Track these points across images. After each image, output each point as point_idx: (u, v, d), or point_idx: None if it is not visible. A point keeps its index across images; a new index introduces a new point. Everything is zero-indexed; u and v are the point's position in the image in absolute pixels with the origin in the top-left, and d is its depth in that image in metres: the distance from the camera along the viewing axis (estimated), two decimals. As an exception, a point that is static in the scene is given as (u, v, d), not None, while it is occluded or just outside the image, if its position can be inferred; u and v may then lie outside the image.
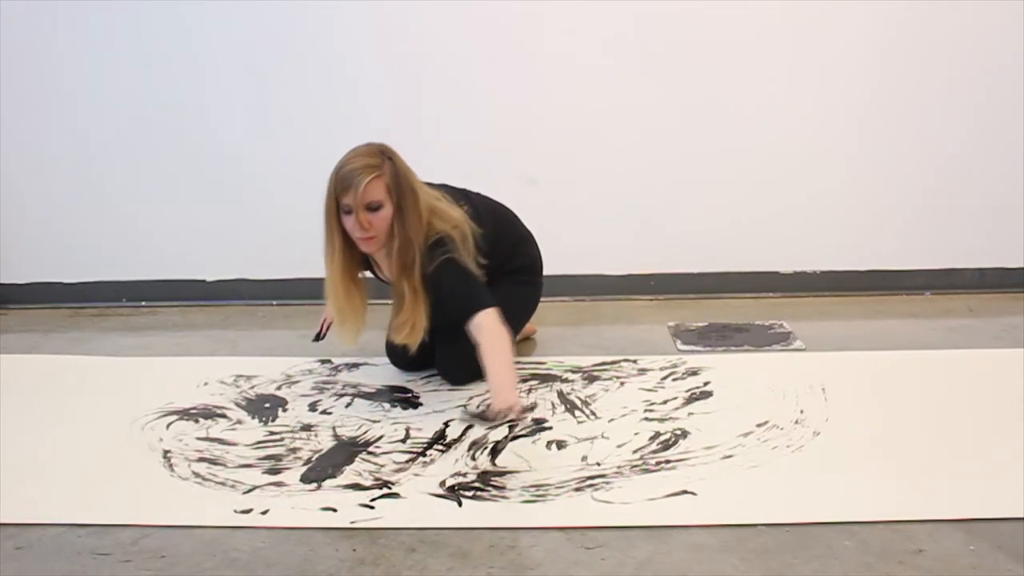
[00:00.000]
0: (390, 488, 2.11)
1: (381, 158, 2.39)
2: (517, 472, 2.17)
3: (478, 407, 2.46)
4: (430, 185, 2.58)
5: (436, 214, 2.49)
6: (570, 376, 2.75)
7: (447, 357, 2.71)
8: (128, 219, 3.61)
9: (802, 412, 2.45)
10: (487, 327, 2.36)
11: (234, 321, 3.45)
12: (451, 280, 2.44)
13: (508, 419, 2.22)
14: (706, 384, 2.67)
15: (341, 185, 2.36)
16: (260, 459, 2.28)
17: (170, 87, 3.48)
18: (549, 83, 3.41)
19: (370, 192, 2.35)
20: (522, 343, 3.03)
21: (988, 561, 1.76)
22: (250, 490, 2.12)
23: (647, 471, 2.16)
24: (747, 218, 3.50)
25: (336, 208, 2.40)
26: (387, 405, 2.59)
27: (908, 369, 2.74)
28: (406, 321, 2.46)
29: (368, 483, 2.14)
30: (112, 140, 3.54)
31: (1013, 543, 1.82)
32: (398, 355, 2.79)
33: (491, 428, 2.31)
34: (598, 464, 2.20)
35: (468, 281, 2.47)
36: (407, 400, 2.62)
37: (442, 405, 2.57)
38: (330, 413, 2.55)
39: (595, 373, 2.77)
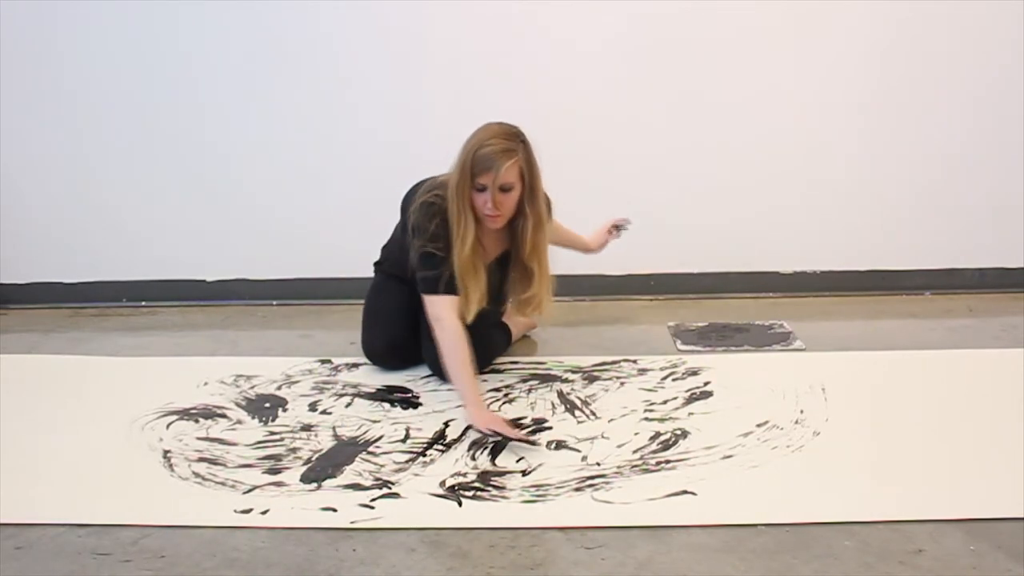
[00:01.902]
0: (390, 488, 2.11)
1: (517, 142, 2.48)
2: (517, 472, 2.17)
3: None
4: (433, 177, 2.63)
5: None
6: (570, 376, 2.75)
7: (433, 354, 2.69)
8: (128, 219, 3.60)
9: (802, 412, 2.45)
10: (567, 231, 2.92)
11: (234, 321, 3.45)
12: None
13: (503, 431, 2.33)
14: (706, 384, 2.67)
15: (481, 165, 2.44)
16: (260, 459, 2.28)
17: (170, 87, 3.48)
18: (548, 83, 3.41)
19: (508, 175, 2.45)
20: (522, 343, 3.03)
21: (988, 561, 1.76)
22: (250, 490, 2.13)
23: (647, 471, 2.16)
24: (747, 218, 3.50)
25: (470, 184, 2.47)
26: (387, 405, 2.59)
27: (908, 369, 2.74)
28: (534, 296, 2.64)
29: (368, 483, 2.14)
30: (112, 140, 3.53)
31: (1013, 543, 1.82)
32: (380, 356, 2.82)
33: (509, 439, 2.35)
34: (598, 464, 2.20)
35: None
36: (407, 400, 2.62)
37: (442, 405, 2.57)
38: (330, 413, 2.55)
39: (595, 373, 2.77)
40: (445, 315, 2.51)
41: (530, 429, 2.40)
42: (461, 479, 2.15)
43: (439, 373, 2.71)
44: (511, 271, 2.66)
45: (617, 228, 3.14)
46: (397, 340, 2.77)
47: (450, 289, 2.52)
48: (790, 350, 2.96)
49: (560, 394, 2.62)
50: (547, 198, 2.65)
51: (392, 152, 3.43)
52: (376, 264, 2.87)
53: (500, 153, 2.44)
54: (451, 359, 2.48)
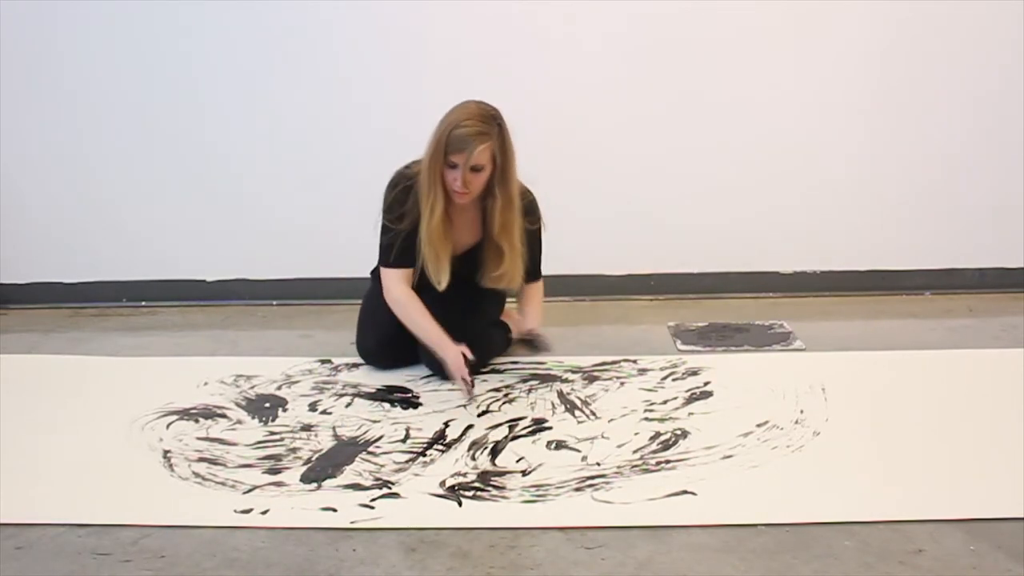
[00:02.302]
0: (390, 488, 2.11)
1: (492, 125, 2.53)
2: (517, 472, 2.17)
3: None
4: None
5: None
6: (570, 376, 2.75)
7: (431, 354, 2.70)
8: (128, 219, 3.60)
9: (802, 412, 2.45)
10: (538, 294, 2.92)
11: (234, 321, 3.45)
12: (538, 246, 2.83)
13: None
14: (706, 384, 2.67)
15: (455, 145, 2.50)
16: (260, 459, 2.28)
17: (170, 87, 3.48)
18: (548, 83, 3.41)
19: (480, 157, 2.51)
20: (522, 343, 3.03)
21: (988, 561, 1.76)
22: (250, 490, 2.12)
23: (647, 471, 2.16)
24: (747, 218, 3.50)
25: (442, 161, 2.53)
26: (387, 405, 2.59)
27: (908, 369, 2.74)
28: (505, 273, 2.69)
29: (368, 483, 2.14)
30: (112, 140, 3.53)
31: (1013, 543, 1.82)
32: (372, 354, 2.83)
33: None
34: (598, 464, 2.20)
35: (541, 251, 2.86)
36: (407, 400, 2.62)
37: (442, 405, 2.57)
38: (330, 413, 2.55)
39: (595, 373, 2.77)
40: (392, 286, 2.68)
41: (529, 428, 2.40)
42: (461, 479, 2.15)
43: (439, 373, 2.71)
44: (484, 251, 2.71)
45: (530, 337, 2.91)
46: (388, 338, 2.77)
47: (400, 261, 2.67)
48: (790, 350, 2.96)
49: (560, 394, 2.62)
50: (533, 206, 2.75)
51: (393, 152, 3.40)
52: (372, 272, 2.87)
53: (475, 135, 2.50)
54: (409, 316, 2.66)
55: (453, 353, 2.57)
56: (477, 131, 2.51)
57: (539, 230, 2.80)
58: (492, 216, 2.64)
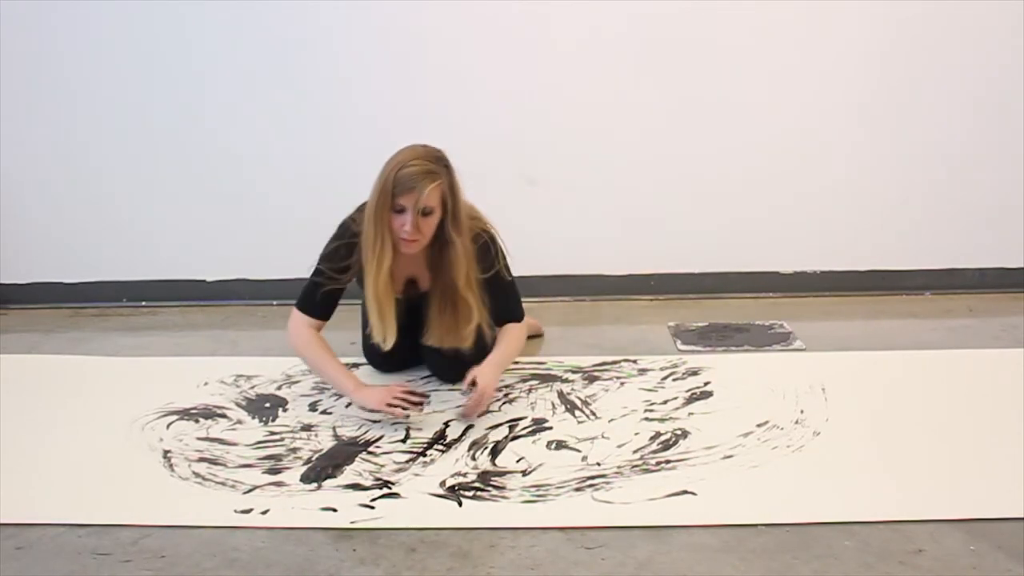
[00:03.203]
0: (390, 488, 2.11)
1: (440, 165, 2.40)
2: (517, 472, 2.17)
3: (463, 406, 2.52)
4: None
5: (473, 215, 2.55)
6: (570, 376, 2.75)
7: (442, 357, 2.70)
8: (128, 219, 3.60)
9: (802, 412, 2.45)
10: (516, 335, 2.65)
11: (234, 321, 3.45)
12: (507, 286, 2.61)
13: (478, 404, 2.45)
14: (706, 384, 2.67)
15: (403, 186, 2.35)
16: (260, 459, 2.28)
17: (170, 87, 3.48)
18: (549, 83, 3.41)
19: (430, 198, 2.36)
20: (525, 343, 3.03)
21: (988, 561, 1.76)
22: (250, 490, 2.13)
23: (647, 471, 2.16)
24: (747, 218, 3.50)
25: (389, 205, 2.38)
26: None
27: (908, 369, 2.74)
28: (451, 331, 2.52)
29: (368, 483, 2.14)
30: (112, 140, 3.54)
31: (1013, 543, 1.82)
32: (379, 357, 2.78)
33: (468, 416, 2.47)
34: (598, 464, 2.20)
35: (516, 289, 2.66)
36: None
37: (442, 405, 2.57)
38: (330, 413, 2.55)
39: (595, 373, 2.77)
40: (298, 330, 2.55)
41: (529, 428, 2.40)
42: (461, 479, 2.15)
43: (439, 375, 2.71)
44: (432, 301, 2.54)
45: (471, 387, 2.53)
46: (399, 347, 2.77)
47: (316, 312, 2.55)
48: (790, 350, 2.96)
49: (560, 394, 2.62)
50: (487, 248, 2.54)
51: (393, 152, 3.42)
52: None
53: (423, 174, 2.35)
54: (314, 363, 2.54)
55: (368, 395, 2.44)
56: (426, 170, 2.36)
57: (499, 273, 2.56)
58: (453, 266, 2.45)
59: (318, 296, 2.53)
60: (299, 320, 2.56)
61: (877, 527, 1.89)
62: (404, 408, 2.40)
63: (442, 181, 2.39)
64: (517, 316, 2.67)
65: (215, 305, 3.62)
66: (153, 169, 3.55)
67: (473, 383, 2.46)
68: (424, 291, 2.59)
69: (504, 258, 2.59)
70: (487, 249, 2.54)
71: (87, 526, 1.98)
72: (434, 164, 2.39)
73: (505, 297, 2.61)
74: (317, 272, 2.54)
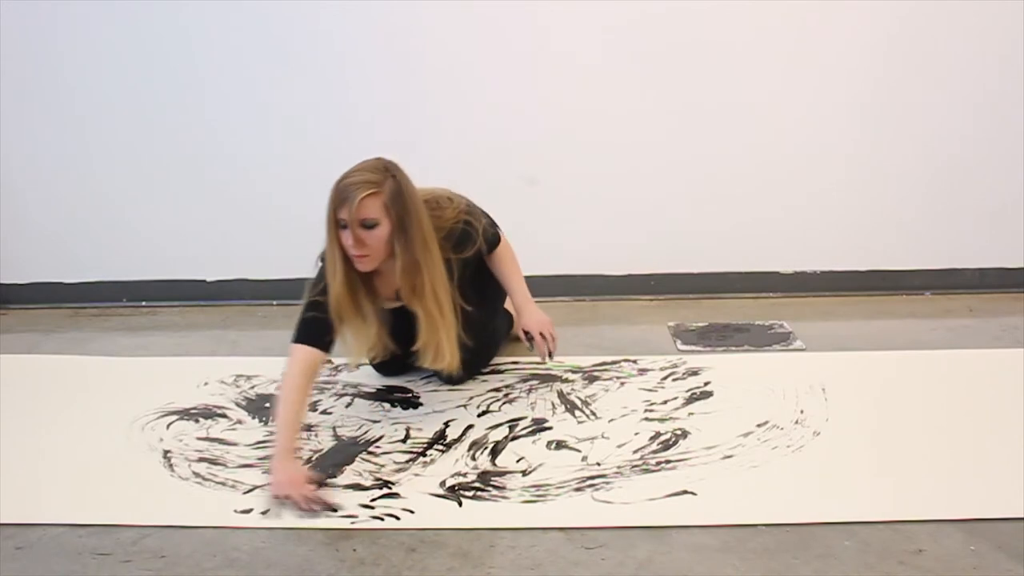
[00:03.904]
0: (390, 488, 2.12)
1: (383, 175, 2.27)
2: (517, 472, 2.17)
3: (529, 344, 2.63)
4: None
5: (440, 207, 2.45)
6: (570, 376, 2.75)
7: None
8: (128, 219, 3.60)
9: (802, 412, 2.45)
10: (506, 255, 2.64)
11: (234, 321, 3.45)
12: (481, 235, 2.51)
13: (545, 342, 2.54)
14: (706, 384, 2.67)
15: (338, 198, 2.25)
16: (260, 459, 2.28)
17: (170, 87, 3.48)
18: (549, 83, 3.41)
19: (364, 209, 2.23)
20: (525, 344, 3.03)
21: (988, 561, 1.76)
22: (250, 490, 2.13)
23: (647, 471, 2.16)
24: (747, 218, 3.50)
25: (334, 221, 2.28)
26: (387, 405, 2.59)
27: (908, 369, 2.74)
28: (427, 344, 2.38)
29: (368, 483, 2.14)
30: (113, 140, 3.53)
31: (1013, 543, 1.82)
32: (382, 366, 2.78)
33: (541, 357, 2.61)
34: (598, 464, 2.20)
35: (480, 219, 2.54)
36: (407, 400, 2.62)
37: (442, 405, 2.57)
38: (330, 413, 2.55)
39: (595, 373, 2.77)
40: (289, 362, 2.27)
41: (529, 428, 2.40)
42: (461, 479, 2.15)
43: (444, 378, 2.71)
44: (414, 315, 2.42)
45: (531, 341, 2.65)
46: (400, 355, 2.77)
47: (299, 336, 2.30)
48: (790, 350, 2.96)
49: (560, 394, 2.62)
50: (467, 235, 2.46)
51: (393, 151, 3.41)
52: None
53: (359, 184, 2.23)
54: (279, 403, 2.23)
55: (278, 476, 2.10)
56: (363, 180, 2.24)
57: (481, 244, 2.50)
58: (398, 279, 2.33)
59: (305, 324, 2.32)
60: (292, 351, 2.30)
61: (877, 527, 1.89)
62: (303, 508, 2.05)
63: (381, 191, 2.25)
64: (497, 239, 2.62)
65: (215, 305, 3.62)
66: (153, 169, 3.55)
67: (529, 337, 2.60)
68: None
69: (481, 228, 2.50)
70: (467, 236, 2.46)
71: (87, 526, 1.98)
72: (374, 173, 2.27)
73: (480, 228, 2.51)
74: (306, 305, 2.36)
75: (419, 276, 2.32)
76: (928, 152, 3.44)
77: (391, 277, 2.39)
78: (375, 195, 2.24)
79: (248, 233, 3.60)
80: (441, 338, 2.38)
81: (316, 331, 2.30)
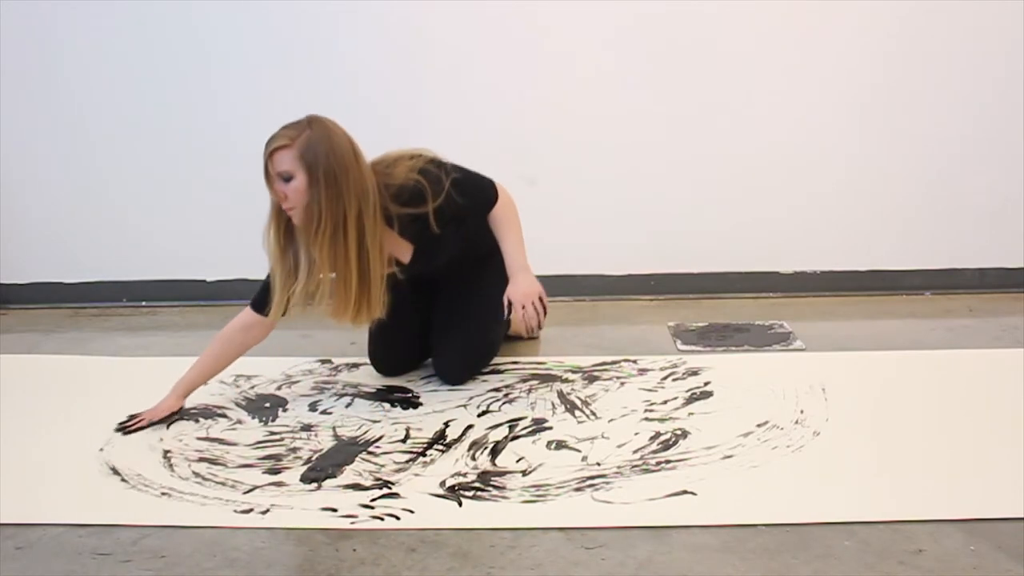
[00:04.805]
0: (390, 488, 2.11)
1: (299, 129, 2.33)
2: (517, 472, 2.17)
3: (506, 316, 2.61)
4: None
5: (390, 169, 2.46)
6: (570, 376, 2.75)
7: (443, 357, 2.71)
8: (128, 219, 3.60)
9: (802, 412, 2.45)
10: (504, 214, 2.60)
11: (234, 321, 3.44)
12: (463, 195, 2.48)
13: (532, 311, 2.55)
14: (706, 384, 2.67)
15: (265, 152, 2.34)
16: (260, 459, 2.28)
17: (170, 87, 3.48)
18: (549, 83, 3.41)
19: (279, 161, 2.31)
20: (526, 343, 3.03)
21: (988, 561, 1.76)
22: (250, 490, 2.13)
23: (647, 471, 2.16)
24: (747, 218, 3.50)
25: (268, 177, 2.37)
26: (387, 405, 2.59)
27: (908, 369, 2.74)
28: (334, 293, 2.43)
29: (368, 483, 2.14)
30: (113, 140, 3.54)
31: (1013, 543, 1.82)
32: (383, 361, 2.79)
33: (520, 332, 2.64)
34: (598, 464, 2.20)
35: (471, 181, 2.54)
36: (407, 400, 2.62)
37: (442, 405, 2.57)
38: (330, 413, 2.55)
39: (595, 373, 2.77)
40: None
41: (529, 428, 2.40)
42: (461, 479, 2.15)
43: (441, 375, 2.71)
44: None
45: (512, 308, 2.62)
46: (405, 356, 2.79)
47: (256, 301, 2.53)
48: (790, 350, 2.96)
49: (560, 394, 2.62)
50: (419, 192, 2.42)
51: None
52: None
53: (273, 139, 2.33)
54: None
55: (165, 406, 2.50)
56: (278, 135, 2.34)
57: (443, 204, 2.43)
58: (300, 224, 2.37)
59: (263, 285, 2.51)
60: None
61: (877, 527, 1.89)
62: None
63: (292, 144, 2.31)
64: (491, 200, 2.59)
65: (215, 305, 3.62)
66: (153, 169, 3.55)
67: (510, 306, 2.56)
68: (404, 264, 2.56)
69: (446, 186, 2.44)
70: (418, 193, 2.42)
71: (87, 526, 1.98)
72: (292, 129, 2.33)
73: (469, 202, 2.51)
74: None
75: (320, 222, 2.32)
76: (928, 152, 3.44)
77: (392, 242, 2.47)
78: (286, 148, 2.31)
79: (248, 233, 3.55)
80: (342, 291, 2.40)
81: (260, 295, 2.51)
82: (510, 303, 2.58)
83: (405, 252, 2.56)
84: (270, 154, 2.33)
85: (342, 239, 2.35)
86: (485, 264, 2.68)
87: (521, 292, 2.57)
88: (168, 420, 2.48)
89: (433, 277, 2.71)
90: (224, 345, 2.55)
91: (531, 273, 2.62)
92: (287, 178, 2.32)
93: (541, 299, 2.60)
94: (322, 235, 2.33)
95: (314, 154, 2.31)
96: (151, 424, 2.46)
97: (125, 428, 2.44)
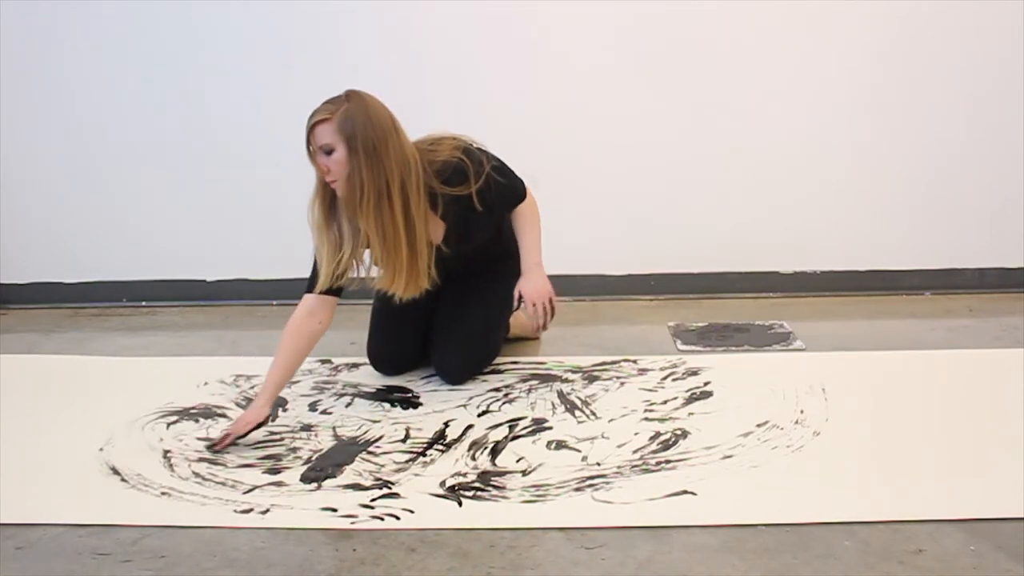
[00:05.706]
0: (390, 488, 2.11)
1: (338, 103, 2.36)
2: (517, 472, 2.17)
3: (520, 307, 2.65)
4: None
5: (434, 147, 2.51)
6: (570, 376, 2.75)
7: (444, 357, 2.71)
8: (128, 219, 3.61)
9: (802, 412, 2.45)
10: (527, 212, 2.67)
11: (234, 321, 3.45)
12: (496, 186, 2.53)
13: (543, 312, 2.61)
14: (706, 384, 2.67)
15: (307, 127, 2.37)
16: (260, 459, 2.28)
17: (170, 86, 3.48)
18: (550, 83, 3.41)
19: (319, 135, 2.34)
20: (526, 343, 3.03)
21: (988, 561, 1.76)
22: (250, 490, 2.13)
23: (647, 471, 2.16)
24: (747, 218, 3.50)
25: (310, 153, 2.40)
26: (387, 405, 2.59)
27: (908, 369, 2.74)
28: (380, 262, 2.46)
29: (368, 483, 2.14)
30: (113, 140, 3.54)
31: (1013, 543, 1.82)
32: (383, 361, 2.80)
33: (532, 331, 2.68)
34: (598, 464, 2.20)
35: (507, 176, 2.60)
36: (407, 400, 2.62)
37: (442, 405, 2.57)
38: (330, 413, 2.55)
39: (595, 373, 2.77)
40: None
41: (529, 428, 2.40)
42: (461, 479, 2.15)
43: (442, 375, 2.71)
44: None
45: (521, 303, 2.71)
46: (404, 354, 2.78)
47: (312, 282, 2.51)
48: (790, 350, 2.96)
49: (560, 394, 2.62)
50: (462, 169, 2.48)
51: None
52: None
53: (313, 115, 2.35)
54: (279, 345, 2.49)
55: (249, 417, 2.37)
56: (319, 110, 2.36)
57: (482, 188, 2.49)
58: (344, 192, 2.39)
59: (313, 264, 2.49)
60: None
61: (877, 527, 1.89)
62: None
63: (332, 117, 2.33)
64: (522, 193, 2.66)
65: (215, 305, 3.62)
66: (153, 169, 3.55)
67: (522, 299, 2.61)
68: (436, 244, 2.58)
69: (487, 173, 2.50)
70: (460, 172, 2.48)
71: (87, 526, 1.98)
72: (331, 103, 2.36)
73: (500, 195, 2.57)
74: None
75: (363, 192, 2.35)
76: (928, 152, 3.44)
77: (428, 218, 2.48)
78: (326, 121, 2.34)
79: (248, 233, 3.60)
80: (393, 260, 2.43)
81: (311, 278, 2.49)
82: (521, 296, 2.63)
83: (438, 231, 2.58)
84: (311, 128, 2.35)
85: (387, 207, 2.38)
86: (497, 266, 2.70)
87: (534, 288, 2.64)
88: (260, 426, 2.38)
89: (447, 268, 2.70)
90: (294, 338, 2.48)
91: (544, 272, 2.68)
92: (328, 151, 2.35)
93: (551, 300, 2.66)
94: (367, 204, 2.36)
95: (352, 125, 2.33)
96: (241, 437, 2.34)
97: (214, 447, 2.32)
